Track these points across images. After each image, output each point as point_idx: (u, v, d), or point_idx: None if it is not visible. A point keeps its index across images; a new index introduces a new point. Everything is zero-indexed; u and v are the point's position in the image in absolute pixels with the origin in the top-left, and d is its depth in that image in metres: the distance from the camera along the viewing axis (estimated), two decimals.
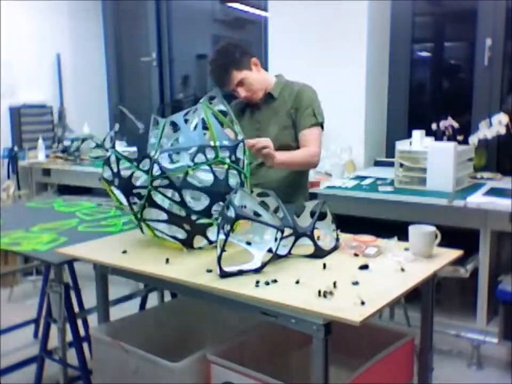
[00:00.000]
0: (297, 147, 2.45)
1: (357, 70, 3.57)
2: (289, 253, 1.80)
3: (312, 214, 1.90)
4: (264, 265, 1.68)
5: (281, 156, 2.24)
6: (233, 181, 1.89)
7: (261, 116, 2.52)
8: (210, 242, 1.91)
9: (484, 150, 3.35)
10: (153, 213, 1.88)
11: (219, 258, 1.63)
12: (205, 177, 1.94)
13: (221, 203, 1.80)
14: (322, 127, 2.50)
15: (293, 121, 2.46)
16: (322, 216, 1.89)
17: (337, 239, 1.91)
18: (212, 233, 1.88)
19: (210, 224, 1.88)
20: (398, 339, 1.82)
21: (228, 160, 1.85)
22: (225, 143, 1.87)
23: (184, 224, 1.87)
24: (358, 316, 1.35)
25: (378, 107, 3.76)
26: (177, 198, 1.83)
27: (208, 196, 1.83)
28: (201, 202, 1.87)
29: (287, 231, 1.76)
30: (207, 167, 1.85)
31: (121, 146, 4.27)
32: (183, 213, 1.85)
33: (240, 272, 1.65)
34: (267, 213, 1.74)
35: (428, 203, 2.85)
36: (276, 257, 1.73)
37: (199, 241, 1.92)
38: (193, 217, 1.85)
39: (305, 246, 1.81)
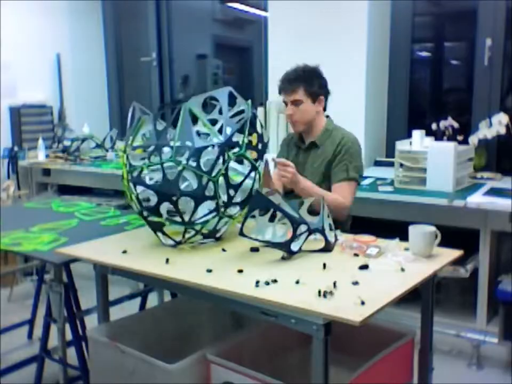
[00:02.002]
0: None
1: (357, 70, 3.57)
2: (300, 249, 1.81)
3: (309, 212, 1.92)
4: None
5: (307, 184, 2.27)
6: (192, 183, 1.88)
7: (302, 161, 2.51)
8: (178, 242, 1.93)
9: (483, 150, 3.35)
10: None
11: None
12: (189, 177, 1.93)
13: (169, 203, 1.83)
14: (357, 182, 2.44)
15: (325, 173, 2.43)
16: (317, 212, 1.91)
17: (335, 234, 1.93)
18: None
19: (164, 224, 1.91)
20: (398, 339, 1.82)
21: (184, 162, 1.81)
22: (188, 143, 1.84)
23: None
24: (358, 316, 1.35)
25: (378, 107, 3.76)
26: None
27: (157, 195, 1.84)
28: (152, 200, 1.90)
29: (303, 228, 1.80)
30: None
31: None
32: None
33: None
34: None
35: (427, 203, 2.85)
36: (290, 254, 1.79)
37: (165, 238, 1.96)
38: (144, 213, 1.90)
39: (308, 241, 1.83)
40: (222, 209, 1.89)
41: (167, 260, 1.79)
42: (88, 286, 2.36)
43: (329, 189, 2.40)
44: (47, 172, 4.48)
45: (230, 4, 4.97)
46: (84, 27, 4.99)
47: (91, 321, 2.40)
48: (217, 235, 1.99)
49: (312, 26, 3.67)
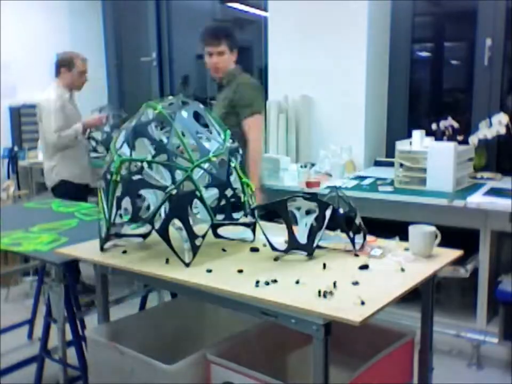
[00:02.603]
0: (241, 132, 2.87)
1: (357, 70, 3.57)
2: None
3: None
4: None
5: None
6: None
7: (217, 98, 3.11)
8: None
9: (484, 150, 3.35)
10: None
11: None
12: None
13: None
14: (259, 113, 2.98)
15: (234, 109, 2.94)
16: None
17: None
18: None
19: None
20: (398, 339, 1.82)
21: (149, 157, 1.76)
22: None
23: None
24: (358, 316, 1.35)
25: (378, 107, 3.76)
26: None
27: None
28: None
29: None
30: None
31: None
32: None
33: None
34: None
35: (427, 203, 2.85)
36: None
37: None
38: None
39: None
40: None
41: (167, 260, 1.79)
42: None
43: (237, 123, 2.90)
44: None
45: (230, 4, 4.97)
46: (84, 27, 4.99)
47: (91, 321, 2.40)
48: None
49: (312, 27, 3.67)
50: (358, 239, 1.84)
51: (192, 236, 1.75)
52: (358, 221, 1.84)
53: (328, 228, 1.83)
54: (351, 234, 1.82)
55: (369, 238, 1.94)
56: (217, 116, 2.45)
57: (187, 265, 1.73)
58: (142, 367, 1.77)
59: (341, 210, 1.84)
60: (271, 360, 1.90)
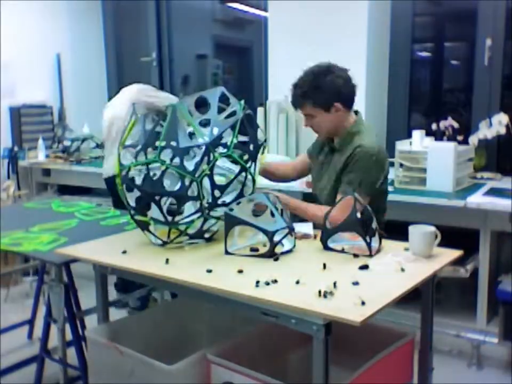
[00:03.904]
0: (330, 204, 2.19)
1: (357, 70, 3.53)
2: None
3: None
4: None
5: (295, 204, 2.25)
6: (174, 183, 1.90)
7: (327, 161, 2.37)
8: (165, 242, 1.94)
9: (483, 150, 3.34)
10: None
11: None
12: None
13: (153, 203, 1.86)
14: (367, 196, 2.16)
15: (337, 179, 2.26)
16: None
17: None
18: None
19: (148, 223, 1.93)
20: (398, 339, 1.82)
21: (167, 161, 1.82)
22: (173, 144, 1.83)
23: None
24: (358, 316, 1.35)
25: (378, 107, 3.76)
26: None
27: (141, 194, 1.88)
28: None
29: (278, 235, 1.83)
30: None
31: None
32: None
33: None
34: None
35: (427, 203, 2.85)
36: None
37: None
38: (132, 212, 1.92)
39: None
40: (207, 210, 1.88)
41: (167, 260, 1.79)
42: (88, 286, 2.36)
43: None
44: (47, 172, 4.48)
45: (230, 4, 4.97)
46: (84, 27, 4.99)
47: (91, 321, 2.40)
48: (206, 235, 1.98)
49: (312, 26, 3.67)
50: (374, 242, 1.84)
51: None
52: (374, 225, 1.84)
53: (343, 229, 1.86)
54: (367, 238, 1.81)
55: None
56: (323, 186, 2.30)
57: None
58: (142, 367, 1.78)
59: (358, 215, 1.82)
60: (271, 360, 1.90)
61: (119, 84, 5.24)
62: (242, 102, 2.01)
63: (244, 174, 1.94)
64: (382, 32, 3.71)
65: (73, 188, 4.40)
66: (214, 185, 1.86)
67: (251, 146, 1.97)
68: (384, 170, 2.24)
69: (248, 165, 1.94)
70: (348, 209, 1.89)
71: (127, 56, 5.22)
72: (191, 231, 1.92)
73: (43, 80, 4.76)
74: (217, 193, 1.87)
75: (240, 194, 1.95)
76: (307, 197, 2.96)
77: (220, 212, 1.91)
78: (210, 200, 1.87)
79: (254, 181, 2.00)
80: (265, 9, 3.98)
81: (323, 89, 2.22)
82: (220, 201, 1.90)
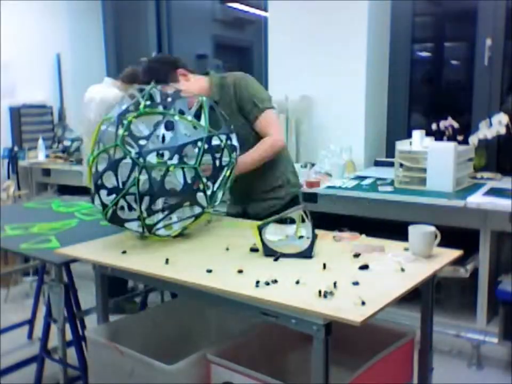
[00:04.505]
0: (259, 138, 2.37)
1: (357, 70, 3.57)
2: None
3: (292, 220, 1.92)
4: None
5: (242, 161, 2.23)
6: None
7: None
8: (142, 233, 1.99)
9: (483, 150, 3.35)
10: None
11: None
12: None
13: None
14: (271, 108, 2.38)
15: (243, 116, 2.38)
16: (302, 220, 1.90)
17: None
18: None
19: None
20: (398, 339, 1.82)
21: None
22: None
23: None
24: (358, 316, 1.35)
25: (378, 107, 3.76)
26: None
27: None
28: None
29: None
30: None
31: None
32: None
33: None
34: None
35: (427, 203, 2.85)
36: None
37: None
38: (144, 214, 1.92)
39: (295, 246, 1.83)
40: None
41: (167, 260, 1.79)
42: (88, 286, 2.36)
43: (251, 129, 2.37)
44: (47, 172, 4.48)
45: (230, 4, 4.97)
46: (84, 27, 4.99)
47: (91, 321, 2.40)
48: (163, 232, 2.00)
49: (312, 27, 3.67)
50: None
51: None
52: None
53: None
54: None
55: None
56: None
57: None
58: (142, 367, 1.78)
59: None
60: (271, 360, 1.90)
61: None
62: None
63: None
64: (382, 32, 3.71)
65: (73, 187, 4.39)
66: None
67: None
68: None
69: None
70: (276, 121, 2.37)
71: (127, 56, 5.21)
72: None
73: (43, 80, 4.77)
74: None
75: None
76: (307, 197, 2.97)
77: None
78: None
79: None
80: (265, 9, 3.98)
81: (157, 71, 2.35)
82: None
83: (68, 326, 2.28)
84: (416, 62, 3.91)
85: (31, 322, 3.23)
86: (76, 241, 2.10)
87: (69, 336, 2.30)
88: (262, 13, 4.22)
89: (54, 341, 2.44)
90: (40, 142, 4.35)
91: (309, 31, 3.69)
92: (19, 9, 4.48)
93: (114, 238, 2.14)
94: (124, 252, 1.91)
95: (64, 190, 4.49)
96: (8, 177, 4.39)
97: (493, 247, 2.88)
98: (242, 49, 5.29)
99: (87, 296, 2.47)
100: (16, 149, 4.41)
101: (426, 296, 1.87)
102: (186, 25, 4.94)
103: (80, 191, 4.34)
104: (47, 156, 4.40)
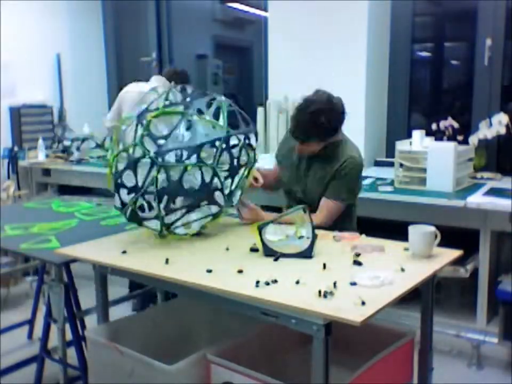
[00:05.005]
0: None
1: (357, 70, 3.57)
2: None
3: None
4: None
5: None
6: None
7: (305, 167, 2.45)
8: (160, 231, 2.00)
9: (483, 150, 3.34)
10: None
11: None
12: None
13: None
14: (344, 203, 2.37)
15: (325, 185, 2.38)
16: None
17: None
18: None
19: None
20: (398, 339, 1.82)
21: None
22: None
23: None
24: (358, 316, 1.35)
25: (378, 107, 3.76)
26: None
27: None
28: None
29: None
30: None
31: None
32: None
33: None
34: None
35: (427, 203, 2.85)
36: None
37: None
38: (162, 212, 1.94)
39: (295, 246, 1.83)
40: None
41: (167, 260, 1.79)
42: (88, 286, 2.35)
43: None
44: (47, 172, 4.47)
45: (230, 4, 4.98)
46: (84, 27, 4.99)
47: (91, 321, 2.40)
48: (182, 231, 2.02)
49: (312, 27, 3.67)
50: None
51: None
52: None
53: None
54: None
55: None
56: (308, 191, 2.40)
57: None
58: (142, 367, 1.78)
59: None
60: (271, 360, 1.90)
61: (119, 84, 5.24)
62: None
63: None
64: (382, 32, 3.71)
65: (73, 187, 4.39)
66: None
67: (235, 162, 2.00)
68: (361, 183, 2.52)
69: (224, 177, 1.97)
70: (331, 214, 2.30)
71: (127, 56, 5.21)
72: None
73: (43, 80, 4.76)
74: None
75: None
76: None
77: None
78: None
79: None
80: (265, 9, 3.98)
81: (325, 127, 2.29)
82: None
83: (68, 326, 2.28)
84: (416, 62, 3.91)
85: (31, 322, 3.23)
86: (76, 241, 2.10)
87: (69, 336, 2.30)
88: (262, 13, 4.21)
89: (54, 341, 2.44)
90: (40, 142, 4.34)
91: (309, 31, 3.69)
92: (19, 9, 4.47)
93: (114, 238, 2.14)
94: (124, 252, 1.91)
95: (64, 190, 4.49)
96: (8, 177, 4.39)
97: (493, 247, 2.88)
98: (242, 49, 5.30)
99: (87, 296, 2.47)
100: (16, 149, 4.41)
101: (426, 296, 1.87)
102: (186, 25, 4.94)
103: (80, 191, 4.35)
104: (47, 156, 4.40)
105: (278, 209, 2.71)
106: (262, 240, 1.81)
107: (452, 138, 3.21)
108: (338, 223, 2.32)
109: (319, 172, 2.41)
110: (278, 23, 3.85)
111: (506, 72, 3.41)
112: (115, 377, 1.88)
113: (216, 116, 2.04)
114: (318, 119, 2.25)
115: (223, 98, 2.06)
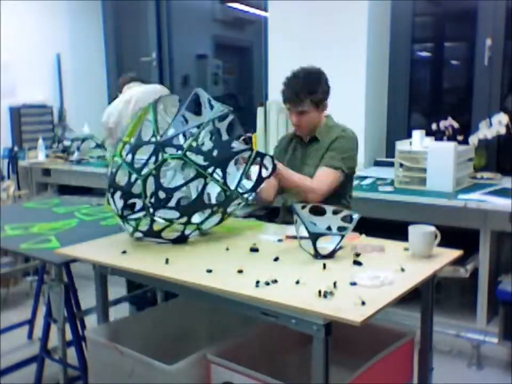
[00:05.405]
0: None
1: (357, 70, 3.57)
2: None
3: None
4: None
5: (285, 172, 2.29)
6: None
7: (301, 155, 2.58)
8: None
9: (483, 150, 3.34)
10: None
11: None
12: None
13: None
14: (343, 172, 2.45)
15: (321, 155, 2.49)
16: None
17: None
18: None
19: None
20: (398, 339, 1.82)
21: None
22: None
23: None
24: (358, 316, 1.35)
25: (378, 107, 3.76)
26: None
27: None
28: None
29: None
30: None
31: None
32: None
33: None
34: None
35: (427, 203, 2.85)
36: None
37: None
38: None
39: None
40: (151, 210, 1.89)
41: (167, 260, 1.79)
42: (88, 286, 2.36)
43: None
44: (47, 172, 4.48)
45: (230, 4, 4.97)
46: (84, 27, 4.99)
47: (91, 321, 2.40)
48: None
49: (312, 27, 3.67)
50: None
51: None
52: None
53: None
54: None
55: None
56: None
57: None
58: (142, 367, 1.77)
59: None
60: (271, 360, 1.90)
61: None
62: (220, 107, 1.98)
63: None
64: (382, 32, 3.71)
65: (73, 187, 4.40)
66: (159, 186, 1.88)
67: (214, 152, 1.92)
68: (357, 156, 2.54)
69: (209, 172, 1.88)
70: (330, 182, 2.38)
71: (127, 56, 5.21)
72: (142, 228, 1.98)
73: (43, 80, 4.76)
74: (162, 194, 1.89)
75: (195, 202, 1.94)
76: None
77: (168, 214, 1.93)
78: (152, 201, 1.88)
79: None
80: (265, 9, 3.97)
81: (320, 84, 2.46)
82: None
83: (68, 326, 2.28)
84: (416, 62, 3.91)
85: (31, 322, 3.23)
86: (76, 241, 2.10)
87: (69, 336, 2.30)
88: (262, 13, 4.21)
89: (54, 341, 2.44)
90: (40, 142, 4.34)
91: (309, 31, 3.69)
92: (19, 9, 4.47)
93: (114, 238, 2.14)
94: (124, 252, 1.91)
95: (64, 190, 4.49)
96: (8, 177, 4.39)
97: (493, 247, 2.88)
98: (242, 49, 5.29)
99: (87, 296, 2.47)
100: (16, 149, 4.41)
101: (426, 296, 1.87)
102: (186, 25, 4.94)
103: (80, 191, 4.35)
104: (47, 156, 4.40)
105: (277, 209, 2.72)
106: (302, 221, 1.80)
107: (451, 138, 3.21)
108: (330, 199, 2.34)
109: (315, 156, 2.51)
110: (278, 23, 3.85)
111: (506, 72, 3.41)
112: (115, 377, 1.88)
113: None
114: (319, 75, 2.46)
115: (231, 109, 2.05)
